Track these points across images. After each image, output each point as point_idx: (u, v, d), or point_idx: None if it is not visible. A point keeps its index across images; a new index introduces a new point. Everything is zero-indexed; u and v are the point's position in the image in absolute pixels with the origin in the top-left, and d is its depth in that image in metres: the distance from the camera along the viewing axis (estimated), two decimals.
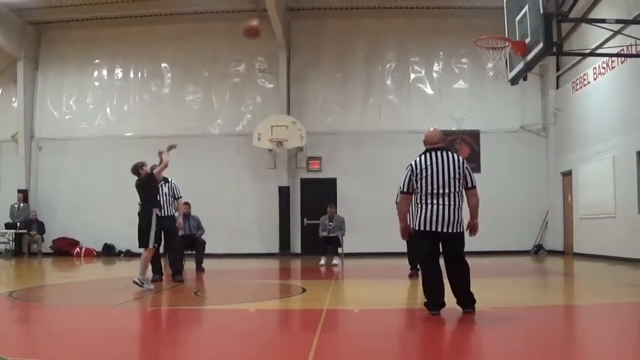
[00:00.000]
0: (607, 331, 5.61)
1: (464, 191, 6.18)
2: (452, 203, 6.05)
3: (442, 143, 6.31)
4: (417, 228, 6.16)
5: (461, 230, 6.12)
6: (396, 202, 7.89)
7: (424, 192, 6.11)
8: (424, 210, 6.09)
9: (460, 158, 6.24)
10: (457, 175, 6.09)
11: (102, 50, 19.38)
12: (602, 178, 14.85)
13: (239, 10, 18.46)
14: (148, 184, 9.05)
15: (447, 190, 6.06)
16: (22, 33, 18.83)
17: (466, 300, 6.17)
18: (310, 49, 18.92)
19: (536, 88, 18.45)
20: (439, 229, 6.04)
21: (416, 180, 6.16)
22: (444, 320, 5.90)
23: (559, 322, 6.37)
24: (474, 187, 6.18)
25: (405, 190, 6.26)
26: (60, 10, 18.49)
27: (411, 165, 6.24)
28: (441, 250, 6.24)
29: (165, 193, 10.16)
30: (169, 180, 10.35)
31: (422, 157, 6.21)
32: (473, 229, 6.19)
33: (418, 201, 6.18)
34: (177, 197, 10.46)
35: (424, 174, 6.11)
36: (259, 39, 18.16)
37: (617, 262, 13.41)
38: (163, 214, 9.94)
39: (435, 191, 6.06)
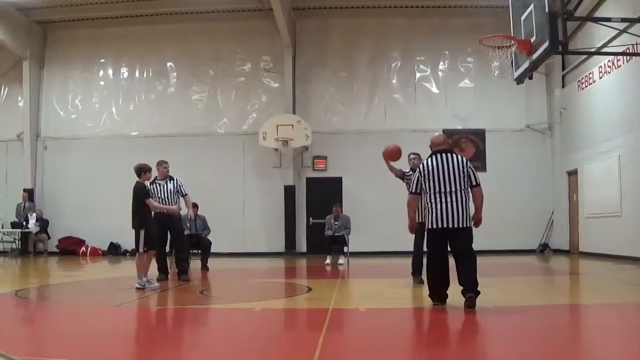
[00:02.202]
0: (614, 331, 5.60)
1: (470, 189, 6.60)
2: (459, 200, 6.51)
3: (446, 145, 6.78)
4: (429, 227, 6.60)
5: (468, 225, 6.54)
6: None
7: (432, 192, 6.57)
8: (434, 209, 6.54)
9: (464, 158, 6.68)
10: (462, 174, 6.55)
11: (107, 50, 19.41)
12: (607, 177, 14.80)
13: (245, 9, 18.52)
14: (137, 195, 8.76)
15: (453, 189, 6.53)
16: (28, 32, 18.88)
17: (470, 283, 6.36)
18: (316, 48, 18.90)
19: (542, 87, 18.39)
20: (447, 225, 6.47)
21: (425, 182, 6.61)
22: (450, 319, 5.91)
23: (565, 322, 6.36)
24: (478, 184, 6.63)
25: (413, 190, 6.79)
26: (66, 9, 18.54)
27: (419, 168, 6.75)
28: (449, 245, 6.61)
29: (170, 190, 10.12)
30: (174, 178, 10.30)
31: (429, 159, 6.68)
32: (476, 222, 6.67)
33: (428, 201, 6.61)
34: (183, 194, 10.35)
35: (431, 175, 6.56)
36: (261, 39, 18.52)
37: (623, 261, 13.37)
38: (167, 213, 9.95)
39: (443, 190, 6.53)
